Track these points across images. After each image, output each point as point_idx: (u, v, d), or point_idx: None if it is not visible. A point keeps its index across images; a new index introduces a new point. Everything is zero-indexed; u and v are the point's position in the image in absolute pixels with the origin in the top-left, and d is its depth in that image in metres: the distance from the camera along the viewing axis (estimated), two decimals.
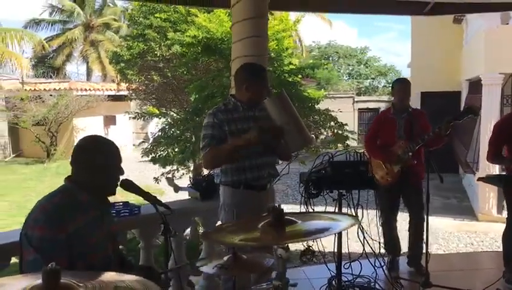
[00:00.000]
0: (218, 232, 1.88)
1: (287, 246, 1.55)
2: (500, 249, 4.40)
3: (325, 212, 2.13)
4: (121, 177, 2.20)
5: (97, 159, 2.10)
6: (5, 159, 19.21)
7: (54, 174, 14.94)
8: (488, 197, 9.00)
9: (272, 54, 6.12)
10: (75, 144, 2.17)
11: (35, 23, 28.27)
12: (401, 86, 4.34)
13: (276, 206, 1.58)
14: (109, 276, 1.42)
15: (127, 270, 2.29)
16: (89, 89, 19.92)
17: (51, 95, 18.29)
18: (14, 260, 2.78)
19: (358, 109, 25.70)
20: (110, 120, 21.11)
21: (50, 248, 1.86)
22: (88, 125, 18.55)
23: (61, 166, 16.09)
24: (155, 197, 2.40)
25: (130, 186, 2.35)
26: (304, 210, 3.42)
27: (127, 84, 8.95)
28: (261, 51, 3.61)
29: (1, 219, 9.71)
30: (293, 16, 7.37)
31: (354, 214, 3.59)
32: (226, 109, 3.08)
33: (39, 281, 1.26)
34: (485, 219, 8.88)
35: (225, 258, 2.15)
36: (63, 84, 19.64)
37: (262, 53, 3.64)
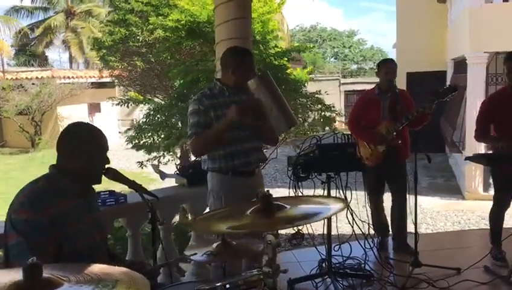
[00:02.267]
0: (206, 220, 1.84)
1: (277, 232, 1.52)
2: (487, 227, 4.45)
3: (314, 196, 2.10)
4: (107, 166, 2.16)
5: (82, 148, 2.06)
6: None
7: (39, 164, 14.75)
8: (474, 175, 9.10)
9: (257, 37, 6.05)
10: (61, 131, 2.12)
11: (15, 10, 27.71)
12: (387, 66, 4.30)
13: (265, 192, 1.54)
14: (95, 268, 1.38)
15: (114, 263, 2.27)
16: (72, 77, 19.62)
17: (33, 84, 17.99)
18: None
19: (345, 91, 25.73)
20: (94, 108, 20.85)
21: (34, 231, 1.85)
22: (72, 114, 18.28)
23: (47, 155, 15.87)
24: (140, 185, 2.36)
25: (114, 175, 2.30)
26: (293, 194, 3.43)
27: (110, 71, 8.81)
28: (245, 33, 3.55)
29: None
30: None
31: (343, 196, 3.59)
32: (211, 93, 3.04)
33: (20, 276, 1.21)
34: (472, 197, 8.98)
35: (214, 245, 2.12)
36: (45, 72, 19.30)
37: (247, 35, 3.58)
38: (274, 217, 1.49)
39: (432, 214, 8.20)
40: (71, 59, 29.28)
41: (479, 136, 4.09)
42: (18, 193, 1.98)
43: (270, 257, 1.54)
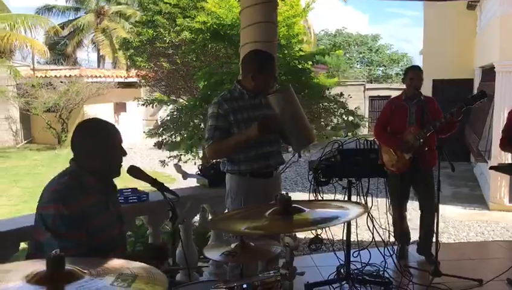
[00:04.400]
0: (224, 220, 1.86)
1: (295, 234, 1.53)
2: (511, 239, 4.36)
3: (333, 200, 2.10)
4: (124, 159, 2.19)
5: (94, 143, 2.10)
6: (16, 145, 19.39)
7: (65, 161, 14.90)
8: (499, 186, 8.90)
9: (282, 41, 6.06)
10: (74, 128, 2.17)
11: (47, 9, 28.34)
12: (413, 73, 4.28)
13: (284, 194, 1.56)
14: (115, 263, 1.41)
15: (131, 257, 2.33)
16: (99, 76, 19.97)
17: (61, 82, 18.37)
18: (23, 245, 2.80)
19: (370, 96, 25.49)
20: (120, 107, 21.16)
21: (63, 225, 1.91)
22: (98, 112, 18.58)
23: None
24: (162, 183, 2.40)
25: (137, 172, 2.35)
26: (313, 198, 3.42)
27: (137, 71, 8.94)
28: (270, 36, 3.56)
29: (14, 205, 9.82)
30: (303, 1, 7.27)
31: (363, 202, 3.57)
32: (231, 96, 3.05)
33: (44, 267, 1.25)
34: (497, 208, 8.79)
35: (233, 245, 2.14)
36: (73, 71, 19.71)
37: (272, 39, 3.60)
38: (292, 219, 1.50)
39: (455, 223, 8.06)
40: (99, 59, 29.83)
41: (504, 145, 4.01)
42: (45, 188, 2.03)
43: (287, 260, 1.55)
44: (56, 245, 1.82)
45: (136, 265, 1.40)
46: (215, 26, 5.96)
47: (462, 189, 10.57)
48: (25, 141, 19.91)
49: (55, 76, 18.96)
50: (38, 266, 1.28)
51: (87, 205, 1.99)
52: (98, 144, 2.10)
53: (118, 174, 2.18)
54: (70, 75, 18.93)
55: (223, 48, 6.46)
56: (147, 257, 2.11)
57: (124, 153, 2.17)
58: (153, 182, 2.38)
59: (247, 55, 3.13)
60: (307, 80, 6.06)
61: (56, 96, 17.97)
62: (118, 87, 19.76)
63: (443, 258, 3.90)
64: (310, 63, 6.29)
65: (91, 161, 2.08)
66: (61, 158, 15.88)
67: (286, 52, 6.03)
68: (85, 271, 1.28)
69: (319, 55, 6.62)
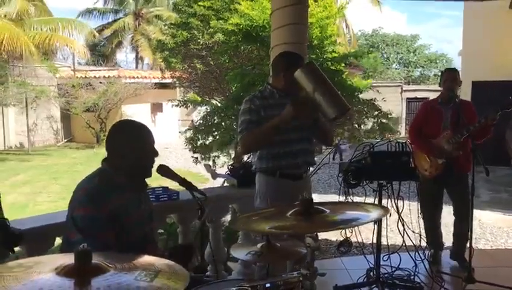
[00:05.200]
0: (248, 219, 1.89)
1: (316, 235, 1.54)
2: None
3: (358, 203, 2.10)
4: (156, 160, 2.25)
5: (128, 143, 2.16)
6: (57, 143, 20.07)
7: (102, 159, 15.43)
8: None
9: (315, 42, 6.04)
10: (109, 129, 2.24)
11: (88, 12, 29.22)
12: (450, 75, 4.21)
13: (305, 196, 1.57)
14: (140, 258, 1.46)
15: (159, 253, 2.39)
16: (137, 77, 20.41)
17: (100, 82, 18.88)
18: (58, 240, 2.91)
19: (407, 98, 25.05)
20: (157, 107, 21.55)
21: (93, 226, 1.96)
22: (136, 112, 18.99)
23: None
24: (190, 183, 2.45)
25: (166, 172, 2.40)
26: (342, 200, 3.40)
27: (171, 72, 9.10)
28: (300, 38, 3.58)
29: (53, 201, 10.15)
30: (338, 2, 7.24)
31: (394, 205, 3.53)
32: (262, 95, 3.10)
33: (72, 261, 1.31)
34: None
35: (259, 245, 2.17)
36: (112, 72, 20.21)
37: (302, 40, 3.61)
38: (313, 220, 1.52)
39: (493, 229, 7.81)
40: (137, 60, 30.49)
41: None
42: (76, 189, 2.10)
43: (308, 260, 1.56)
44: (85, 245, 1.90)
45: (160, 261, 1.45)
46: (248, 28, 6.00)
47: (502, 194, 10.24)
48: (65, 140, 20.58)
49: (95, 77, 19.51)
50: (67, 259, 1.34)
51: (117, 204, 2.05)
52: (131, 144, 2.16)
53: (149, 174, 2.24)
54: (109, 76, 19.43)
55: (256, 49, 6.50)
56: (174, 259, 2.16)
57: (156, 154, 2.23)
58: (182, 181, 2.43)
59: (278, 56, 3.17)
60: (340, 82, 6.02)
61: (95, 97, 18.49)
62: (155, 88, 20.14)
63: (478, 264, 3.81)
64: (343, 64, 6.25)
65: (124, 161, 2.15)
66: (99, 156, 16.13)
67: (319, 53, 6.01)
68: (111, 265, 1.33)
69: (353, 57, 6.58)
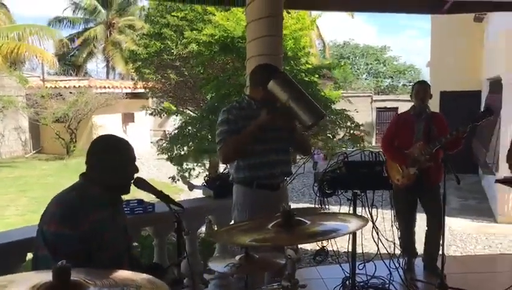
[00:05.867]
0: (229, 231, 1.89)
1: (297, 246, 1.55)
2: None
3: (337, 213, 2.12)
4: (135, 176, 2.23)
5: (111, 159, 2.12)
6: (25, 155, 19.55)
7: (73, 171, 15.06)
8: (507, 199, 8.83)
9: (289, 53, 6.10)
10: (90, 143, 2.20)
11: (58, 20, 28.72)
12: (421, 87, 4.32)
13: (287, 207, 1.58)
14: (119, 274, 1.44)
15: (136, 269, 2.34)
16: (108, 87, 20.14)
17: (70, 93, 18.55)
18: (30, 255, 2.83)
19: (377, 108, 25.51)
20: (128, 117, 21.31)
21: (63, 245, 1.89)
22: (107, 123, 18.76)
23: (80, 162, 15.98)
24: (167, 195, 2.42)
25: (142, 184, 2.37)
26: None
27: (144, 83, 9.03)
28: (276, 50, 3.61)
29: (21, 215, 9.88)
30: (311, 14, 7.33)
31: (368, 214, 3.58)
32: (240, 106, 3.12)
33: (49, 278, 1.27)
34: (505, 220, 8.71)
35: (237, 257, 2.16)
36: (82, 82, 19.89)
37: (277, 52, 3.64)
38: (294, 232, 1.52)
39: (462, 236, 7.99)
40: (108, 69, 30.12)
41: (510, 157, 4.00)
42: (51, 202, 2.02)
43: (289, 271, 1.56)
44: (51, 264, 1.83)
45: (140, 276, 1.42)
46: (224, 38, 6.03)
47: (470, 201, 10.50)
48: (34, 151, 20.07)
49: (65, 86, 19.15)
50: (45, 276, 1.31)
51: (94, 221, 1.99)
52: (116, 160, 2.13)
53: (128, 191, 2.21)
54: (79, 86, 19.09)
55: (231, 60, 6.52)
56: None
57: (137, 171, 2.20)
58: (159, 194, 2.40)
59: (257, 68, 3.19)
60: (314, 93, 6.09)
61: (65, 107, 18.14)
62: (126, 98, 19.92)
63: (449, 271, 3.88)
64: (317, 76, 6.32)
65: (104, 177, 2.10)
66: (70, 168, 15.98)
67: (293, 64, 6.07)
68: (90, 282, 1.30)
69: (326, 69, 6.66)
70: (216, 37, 6.21)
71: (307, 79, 6.16)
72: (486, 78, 12.08)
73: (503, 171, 8.80)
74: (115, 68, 29.74)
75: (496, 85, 10.47)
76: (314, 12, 7.77)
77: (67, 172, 15.14)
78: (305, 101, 2.78)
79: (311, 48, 8.09)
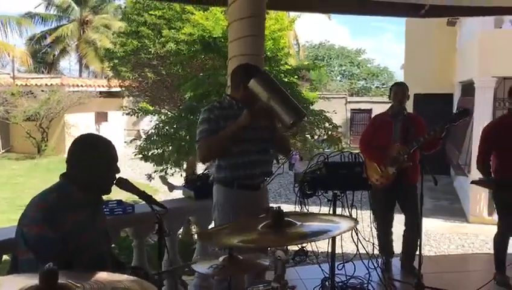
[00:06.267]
0: (216, 232, 1.86)
1: (286, 248, 1.54)
2: (491, 251, 4.44)
3: (323, 214, 2.12)
4: (117, 176, 2.19)
5: (93, 159, 2.07)
6: None
7: (44, 170, 14.81)
8: (479, 199, 9.07)
9: (268, 54, 6.11)
10: (72, 142, 2.13)
11: (30, 16, 28.04)
12: (399, 89, 4.37)
13: (276, 207, 1.57)
14: (106, 276, 1.40)
15: (120, 271, 2.30)
16: (81, 85, 19.80)
17: (42, 91, 18.15)
18: (5, 257, 2.75)
19: (351, 109, 25.81)
20: (101, 117, 21.00)
21: (46, 247, 1.84)
22: (79, 122, 18.43)
23: (52, 162, 15.95)
24: (150, 195, 2.39)
25: (125, 184, 2.32)
26: (299, 210, 3.43)
27: (120, 81, 8.90)
28: (258, 50, 3.59)
29: None
30: (289, 15, 7.36)
31: (348, 214, 3.60)
32: (221, 106, 3.09)
33: (35, 281, 1.23)
34: (476, 221, 8.94)
35: (221, 258, 2.14)
36: (54, 80, 19.47)
37: (259, 52, 3.62)
38: (284, 232, 1.51)
39: (436, 236, 8.17)
40: (81, 68, 29.57)
41: (481, 163, 4.11)
42: (30, 204, 1.96)
43: (279, 273, 1.55)
44: (35, 266, 1.75)
45: (128, 278, 1.39)
46: (206, 38, 5.99)
47: (443, 202, 10.73)
48: (3, 150, 19.54)
49: (36, 84, 18.73)
50: (29, 280, 1.26)
51: (74, 223, 1.95)
52: (98, 160, 2.07)
53: (109, 191, 2.16)
54: (51, 84, 18.71)
55: (210, 59, 6.48)
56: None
57: (118, 171, 2.16)
58: (141, 194, 2.36)
59: (238, 68, 3.17)
60: (294, 94, 6.11)
61: (36, 105, 17.74)
62: (100, 97, 19.61)
63: (425, 271, 3.94)
64: (296, 76, 6.35)
65: (86, 176, 2.05)
66: (41, 168, 15.64)
67: (273, 65, 6.08)
68: (78, 285, 1.26)
69: (305, 69, 6.70)
70: (195, 36, 6.16)
71: (286, 80, 6.17)
72: (458, 81, 12.37)
73: (476, 172, 9.05)
74: (88, 66, 29.24)
75: (468, 88, 10.73)
76: (292, 13, 7.80)
77: (38, 172, 14.82)
78: (286, 101, 2.79)
79: (290, 49, 8.12)
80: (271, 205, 2.82)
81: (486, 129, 4.21)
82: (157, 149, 6.52)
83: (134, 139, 14.51)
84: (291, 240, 1.54)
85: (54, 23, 28.96)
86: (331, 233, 1.52)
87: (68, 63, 33.07)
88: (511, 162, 3.83)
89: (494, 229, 4.22)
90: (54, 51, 28.40)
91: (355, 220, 1.65)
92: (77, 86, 19.54)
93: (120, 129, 21.63)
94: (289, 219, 1.57)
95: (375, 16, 5.21)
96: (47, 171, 14.15)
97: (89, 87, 19.91)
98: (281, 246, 1.53)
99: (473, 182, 3.90)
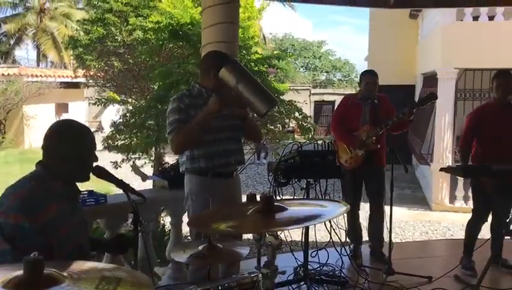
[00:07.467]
0: (203, 219, 1.83)
1: (277, 233, 1.53)
2: (453, 237, 4.56)
3: (311, 198, 2.12)
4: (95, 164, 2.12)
5: (70, 147, 1.99)
6: None
7: (2, 163, 14.27)
8: (441, 187, 9.35)
9: (239, 42, 6.06)
10: (49, 128, 2.04)
11: None
12: (368, 78, 4.41)
13: (265, 193, 1.55)
14: (94, 265, 1.35)
15: (98, 246, 2.32)
16: (40, 76, 19.13)
17: None
18: None
19: (315, 101, 26.12)
20: (62, 108, 20.38)
21: (24, 237, 1.76)
22: (39, 113, 17.85)
23: (10, 154, 15.38)
24: (128, 184, 2.33)
25: (102, 173, 2.26)
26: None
27: (84, 71, 8.64)
28: (232, 37, 3.56)
29: None
30: (257, 3, 7.31)
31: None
32: (190, 94, 3.03)
33: (20, 272, 1.17)
34: (438, 208, 9.22)
35: (200, 247, 2.11)
36: (12, 70, 18.76)
37: (233, 39, 3.59)
38: (274, 218, 1.50)
39: (400, 223, 8.37)
40: (39, 57, 28.55)
41: (463, 148, 4.20)
42: (7, 192, 1.88)
43: (269, 258, 1.54)
44: (11, 257, 1.71)
45: (116, 267, 1.34)
46: (169, 26, 5.87)
47: (406, 191, 11.00)
48: None
49: None
50: (12, 270, 1.20)
51: (53, 214, 1.87)
52: (76, 147, 1.99)
53: (87, 178, 2.09)
54: (8, 74, 18.00)
55: (178, 48, 6.38)
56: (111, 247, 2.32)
57: (96, 159, 2.09)
58: (119, 183, 2.29)
59: (207, 55, 3.13)
60: (264, 83, 6.09)
61: None
62: (60, 88, 19.03)
63: (393, 257, 4.02)
64: (265, 66, 6.33)
65: (64, 165, 1.97)
66: None
67: (243, 53, 6.04)
68: (65, 275, 1.21)
69: (275, 59, 6.69)
70: (162, 24, 6.04)
71: (256, 69, 6.15)
72: (420, 72, 12.66)
73: (437, 161, 9.33)
74: (46, 56, 28.26)
75: (429, 79, 11.00)
76: (259, 3, 7.76)
77: None
78: (257, 88, 2.77)
79: (258, 38, 8.10)
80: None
81: (471, 117, 4.26)
82: (124, 139, 6.38)
83: (96, 130, 14.21)
84: (285, 225, 1.53)
85: (9, 10, 27.82)
86: (324, 217, 1.52)
87: (26, 53, 31.87)
88: (492, 150, 3.92)
89: (455, 216, 4.34)
90: (9, 40, 27.30)
91: (345, 205, 1.65)
92: (36, 76, 18.87)
93: (81, 121, 21.02)
94: (279, 204, 1.56)
95: (345, 5, 5.23)
96: (5, 164, 13.63)
97: (49, 78, 19.28)
98: (271, 231, 1.52)
99: (441, 169, 3.99)
